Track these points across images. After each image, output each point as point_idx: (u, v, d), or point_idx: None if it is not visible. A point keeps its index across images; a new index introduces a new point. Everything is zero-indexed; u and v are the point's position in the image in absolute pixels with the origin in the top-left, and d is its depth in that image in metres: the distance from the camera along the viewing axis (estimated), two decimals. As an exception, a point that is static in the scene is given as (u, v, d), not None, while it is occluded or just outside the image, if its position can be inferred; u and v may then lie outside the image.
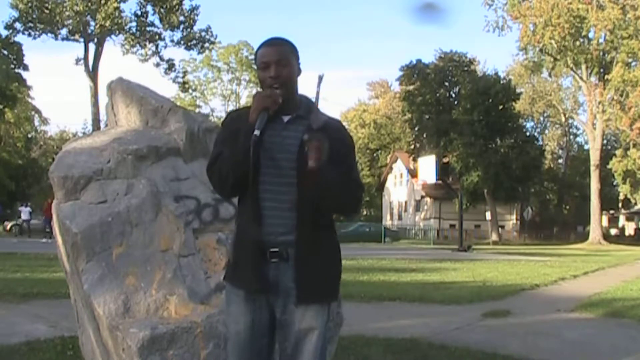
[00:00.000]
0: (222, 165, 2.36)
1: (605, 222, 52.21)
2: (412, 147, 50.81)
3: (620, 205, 55.74)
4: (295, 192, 2.32)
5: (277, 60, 2.37)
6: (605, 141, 49.20)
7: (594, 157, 43.45)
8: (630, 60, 39.85)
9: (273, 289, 2.37)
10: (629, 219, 56.72)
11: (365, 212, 66.20)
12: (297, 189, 2.32)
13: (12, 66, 38.32)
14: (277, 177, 2.34)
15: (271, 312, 2.41)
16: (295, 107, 2.43)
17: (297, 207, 2.33)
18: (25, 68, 39.69)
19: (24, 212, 31.30)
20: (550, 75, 49.15)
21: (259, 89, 2.49)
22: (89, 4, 36.88)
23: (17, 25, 37.56)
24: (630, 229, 54.95)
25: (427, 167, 36.52)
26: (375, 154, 65.46)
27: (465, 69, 46.07)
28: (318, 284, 2.37)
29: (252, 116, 2.31)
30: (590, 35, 42.28)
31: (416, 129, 48.02)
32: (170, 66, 41.85)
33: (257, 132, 2.26)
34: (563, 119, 60.32)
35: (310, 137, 2.24)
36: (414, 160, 46.46)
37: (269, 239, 2.34)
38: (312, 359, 2.36)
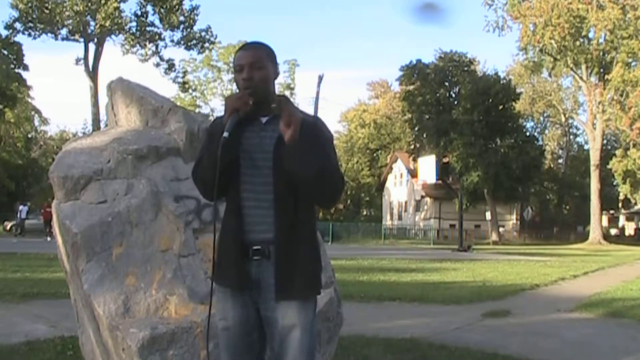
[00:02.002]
0: (202, 169, 2.44)
1: (605, 222, 52.22)
2: (412, 147, 50.80)
3: (620, 205, 55.73)
4: (273, 191, 2.38)
5: (251, 63, 2.42)
6: (605, 141, 49.20)
7: (594, 157, 43.46)
8: (630, 60, 39.83)
9: (255, 286, 2.42)
10: (629, 219, 56.73)
11: (365, 212, 66.19)
12: (275, 187, 2.38)
13: (12, 66, 38.34)
14: (256, 176, 2.40)
15: (257, 309, 2.46)
16: (273, 108, 2.47)
17: (275, 205, 2.38)
18: (25, 68, 39.72)
19: (23, 210, 31.51)
20: (550, 75, 49.16)
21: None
22: (89, 4, 36.87)
23: (17, 25, 37.55)
24: (630, 229, 54.97)
25: (427, 167, 36.55)
26: (375, 154, 65.43)
27: (465, 69, 46.05)
28: (298, 280, 2.39)
29: (225, 119, 2.37)
30: (590, 35, 42.30)
31: (416, 129, 47.99)
32: (170, 66, 41.85)
33: (225, 134, 2.31)
34: (563, 119, 60.33)
35: (279, 106, 2.31)
36: (414, 160, 46.47)
37: (251, 237, 2.40)
38: (298, 355, 2.38)
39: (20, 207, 31.99)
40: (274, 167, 2.37)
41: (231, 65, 57.92)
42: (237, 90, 2.49)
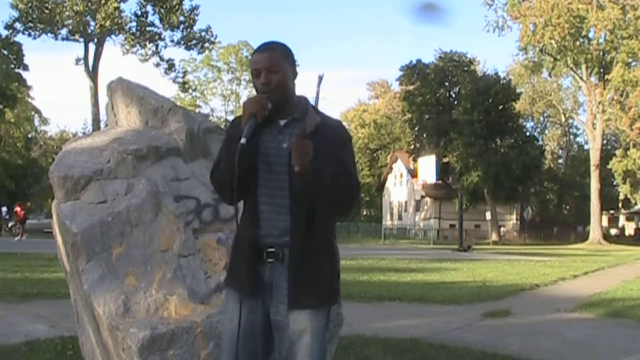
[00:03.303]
0: (220, 173, 2.41)
1: (605, 222, 52.21)
2: (412, 147, 50.81)
3: (620, 205, 55.73)
4: (289, 196, 2.36)
5: (268, 67, 2.38)
6: (605, 141, 49.20)
7: (594, 157, 43.44)
8: (630, 60, 39.81)
9: (268, 290, 2.39)
10: (629, 219, 56.74)
11: (365, 212, 66.21)
12: (290, 192, 2.36)
13: (12, 66, 38.35)
14: (273, 180, 2.38)
15: (266, 313, 2.42)
16: (292, 110, 2.44)
17: (291, 210, 2.36)
18: (25, 68, 39.75)
19: (2, 211, 32.02)
20: (550, 75, 49.16)
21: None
22: (89, 4, 36.87)
23: (17, 25, 37.56)
24: (630, 229, 54.97)
25: (427, 167, 36.54)
26: (375, 154, 65.46)
27: (465, 69, 46.07)
28: (311, 286, 2.37)
29: (242, 124, 2.34)
30: (590, 35, 42.29)
31: (416, 129, 48.02)
32: (170, 66, 41.84)
33: (243, 140, 2.27)
34: (563, 119, 60.34)
35: (293, 144, 2.26)
36: (414, 160, 46.46)
37: (266, 240, 2.38)
38: None
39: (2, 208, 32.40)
40: (289, 171, 2.33)
41: (231, 65, 57.73)
42: (255, 95, 2.46)
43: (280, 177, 2.36)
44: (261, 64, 2.39)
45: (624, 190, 44.71)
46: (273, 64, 2.38)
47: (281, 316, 2.39)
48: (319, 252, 2.41)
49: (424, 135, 46.91)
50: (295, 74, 2.47)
